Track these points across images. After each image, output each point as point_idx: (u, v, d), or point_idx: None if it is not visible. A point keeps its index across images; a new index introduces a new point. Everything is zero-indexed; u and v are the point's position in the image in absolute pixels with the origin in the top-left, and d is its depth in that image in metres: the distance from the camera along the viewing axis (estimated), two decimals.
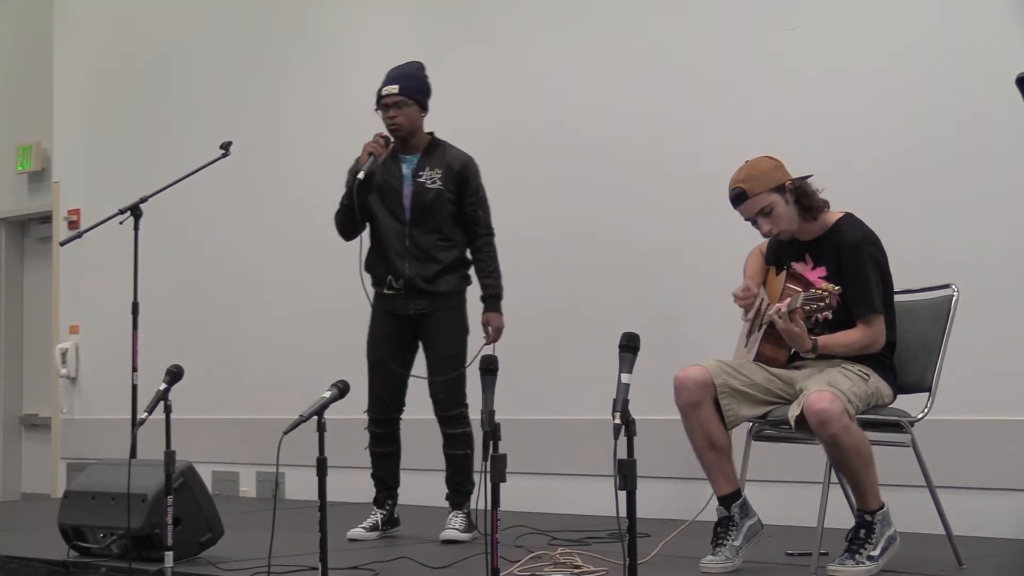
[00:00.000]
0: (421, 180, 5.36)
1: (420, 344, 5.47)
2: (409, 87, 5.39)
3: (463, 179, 5.38)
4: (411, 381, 5.49)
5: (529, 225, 6.43)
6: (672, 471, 5.74)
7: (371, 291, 5.48)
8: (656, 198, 6.25)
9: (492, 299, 5.38)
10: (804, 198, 4.30)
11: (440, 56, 7.18)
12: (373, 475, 5.58)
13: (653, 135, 6.27)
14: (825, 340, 4.21)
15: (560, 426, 6.46)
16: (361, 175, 5.28)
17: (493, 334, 5.35)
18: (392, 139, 5.38)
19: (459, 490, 5.44)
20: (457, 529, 5.35)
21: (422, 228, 5.35)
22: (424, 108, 5.44)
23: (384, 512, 5.54)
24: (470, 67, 6.86)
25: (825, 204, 4.34)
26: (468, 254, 5.48)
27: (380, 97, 5.41)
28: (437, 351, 5.38)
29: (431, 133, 5.50)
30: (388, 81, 5.42)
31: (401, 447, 5.56)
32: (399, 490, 5.61)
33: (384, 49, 7.55)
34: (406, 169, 5.41)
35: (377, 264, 5.45)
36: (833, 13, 5.75)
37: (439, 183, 5.35)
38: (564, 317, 6.52)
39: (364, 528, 5.49)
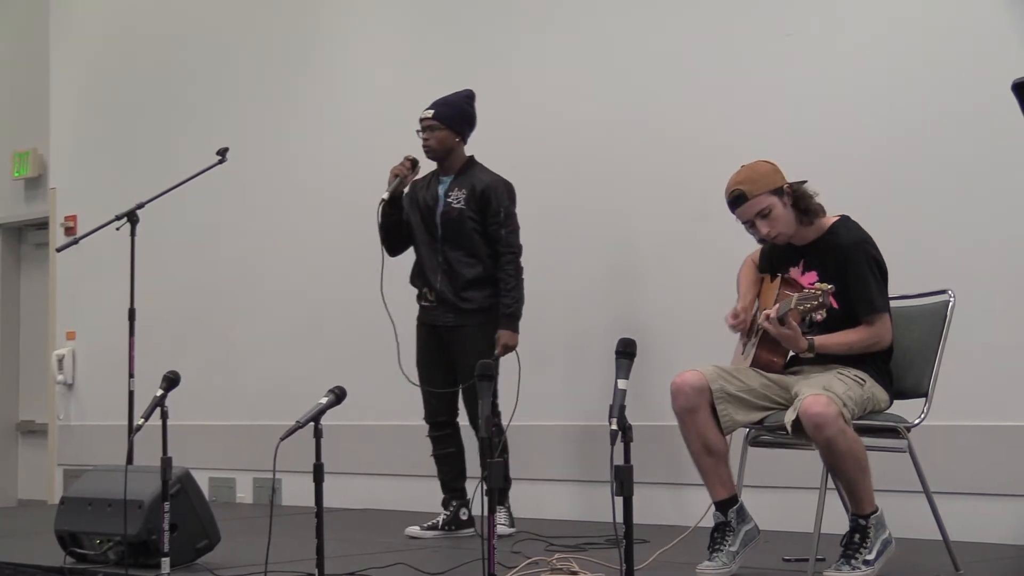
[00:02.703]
0: (449, 200, 5.71)
1: (450, 355, 5.74)
2: (443, 113, 5.75)
3: (485, 200, 5.69)
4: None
5: (525, 230, 6.42)
6: (669, 477, 5.74)
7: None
8: (653, 203, 6.25)
9: (506, 317, 5.65)
10: (802, 201, 4.31)
11: (439, 57, 7.20)
12: (439, 478, 5.85)
13: (650, 140, 6.27)
14: (822, 339, 4.20)
15: (557, 432, 6.46)
16: (386, 195, 5.72)
17: (500, 350, 5.60)
18: (418, 161, 5.76)
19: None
20: (503, 524, 5.56)
21: (451, 245, 5.70)
22: (458, 133, 5.76)
23: (447, 513, 5.75)
24: (468, 71, 6.85)
25: (820, 209, 4.35)
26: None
27: (420, 119, 5.77)
28: (464, 364, 5.58)
29: (470, 156, 5.82)
30: (429, 106, 5.78)
31: (464, 450, 5.79)
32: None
33: (384, 52, 7.58)
34: (440, 190, 5.77)
35: (417, 278, 5.83)
36: (828, 18, 5.76)
37: (463, 203, 5.69)
38: (561, 322, 6.52)
39: (420, 527, 5.75)
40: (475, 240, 5.68)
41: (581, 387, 6.34)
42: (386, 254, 5.84)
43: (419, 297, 5.82)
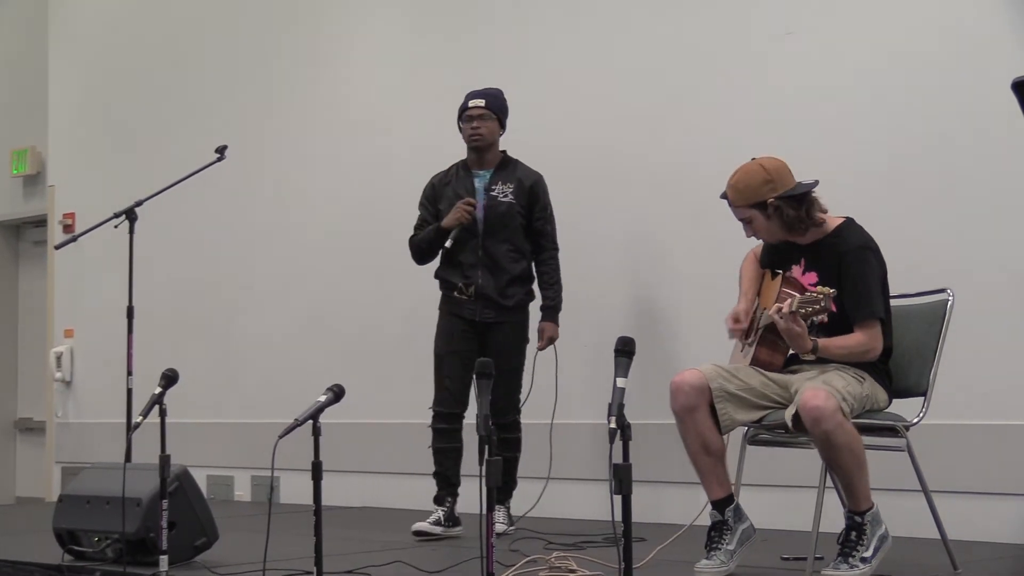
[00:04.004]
0: (494, 194, 5.70)
1: (483, 351, 5.63)
2: (493, 104, 5.77)
3: (534, 195, 5.74)
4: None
5: None
6: (668, 475, 5.74)
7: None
8: (651, 203, 6.25)
9: (550, 310, 5.75)
10: (788, 214, 4.28)
11: (437, 58, 7.20)
12: (435, 473, 5.74)
13: (648, 139, 6.28)
14: (825, 342, 4.20)
15: (555, 430, 6.45)
16: (449, 243, 5.64)
17: (546, 342, 5.72)
18: (476, 205, 5.65)
19: (504, 489, 5.72)
20: (503, 523, 5.55)
21: (494, 239, 5.67)
22: (503, 126, 5.79)
23: (445, 510, 5.68)
24: (466, 70, 6.86)
25: (822, 214, 4.34)
26: (533, 267, 5.80)
27: (465, 109, 5.78)
28: (500, 361, 5.39)
29: (504, 151, 5.81)
30: (475, 96, 5.79)
31: (463, 447, 5.71)
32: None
33: (382, 51, 7.58)
34: (479, 184, 5.74)
35: (450, 273, 5.76)
36: (828, 17, 5.76)
37: (511, 197, 5.69)
38: (560, 321, 6.51)
39: (429, 522, 5.64)
40: (521, 235, 5.70)
41: (579, 385, 6.33)
42: (414, 260, 5.85)
43: (448, 289, 5.75)
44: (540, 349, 5.73)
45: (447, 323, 5.76)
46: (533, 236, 5.75)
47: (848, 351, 4.21)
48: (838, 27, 5.73)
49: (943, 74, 5.39)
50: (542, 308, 5.76)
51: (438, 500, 5.72)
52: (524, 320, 5.76)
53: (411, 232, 5.85)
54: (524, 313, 5.76)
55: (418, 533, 5.61)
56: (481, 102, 5.74)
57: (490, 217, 5.66)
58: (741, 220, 4.37)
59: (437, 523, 5.64)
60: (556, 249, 5.78)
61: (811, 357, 4.21)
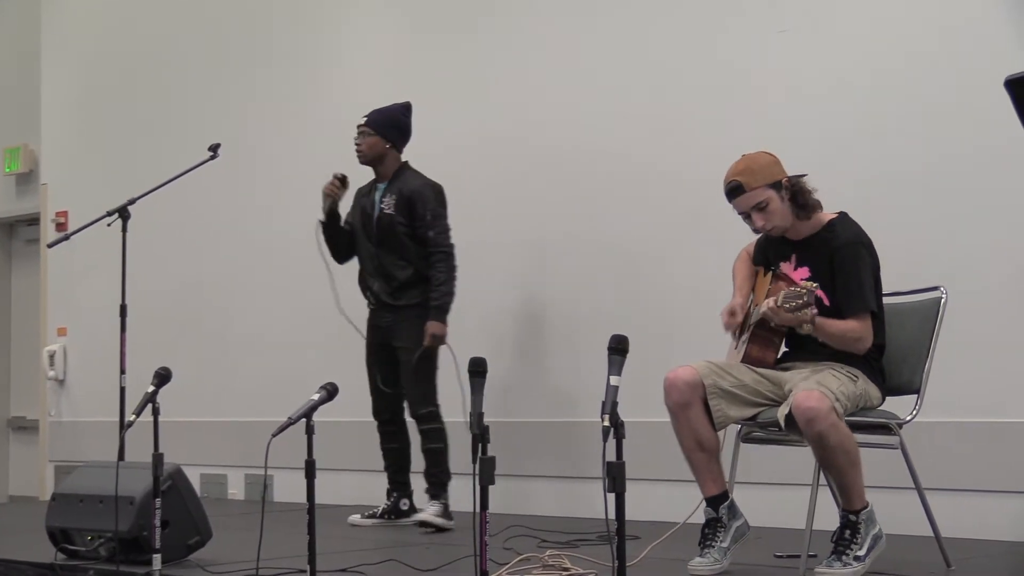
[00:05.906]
0: (382, 206, 6.00)
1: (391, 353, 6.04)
2: (375, 120, 6.04)
3: (411, 205, 5.95)
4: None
5: (519, 230, 6.44)
6: (662, 473, 5.74)
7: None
8: (646, 202, 6.25)
9: (435, 309, 5.90)
10: (800, 196, 4.30)
11: (434, 60, 7.19)
12: (386, 467, 6.22)
13: (643, 139, 6.27)
14: (821, 320, 4.13)
15: (549, 428, 6.46)
16: (322, 217, 6.03)
17: (428, 339, 5.85)
18: (346, 177, 6.03)
19: (434, 481, 5.94)
20: (433, 513, 5.80)
21: (384, 249, 5.99)
22: (388, 140, 5.99)
23: (388, 503, 6.15)
24: (461, 71, 6.85)
25: (818, 204, 4.35)
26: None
27: (357, 126, 6.09)
28: (404, 358, 5.92)
29: (405, 162, 6.04)
30: (365, 114, 6.07)
31: (408, 445, 6.10)
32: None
33: (373, 52, 7.57)
34: (377, 196, 6.05)
35: (360, 283, 6.15)
36: (823, 15, 5.76)
37: (392, 209, 5.97)
38: (553, 320, 6.52)
39: (361, 515, 6.17)
40: (406, 244, 5.92)
41: (573, 383, 6.33)
42: (334, 263, 6.14)
43: (364, 298, 6.10)
44: (426, 346, 5.84)
45: (368, 333, 6.12)
46: (421, 243, 5.93)
47: (842, 334, 4.19)
48: (831, 25, 5.73)
49: (939, 73, 5.39)
50: (429, 309, 5.90)
51: (387, 494, 6.16)
52: (420, 316, 5.89)
53: None
54: (419, 310, 5.90)
55: (353, 525, 6.07)
56: (363, 120, 6.03)
57: (379, 229, 5.96)
58: (752, 207, 4.28)
59: (371, 515, 6.15)
60: (444, 252, 5.91)
61: (809, 329, 4.15)
